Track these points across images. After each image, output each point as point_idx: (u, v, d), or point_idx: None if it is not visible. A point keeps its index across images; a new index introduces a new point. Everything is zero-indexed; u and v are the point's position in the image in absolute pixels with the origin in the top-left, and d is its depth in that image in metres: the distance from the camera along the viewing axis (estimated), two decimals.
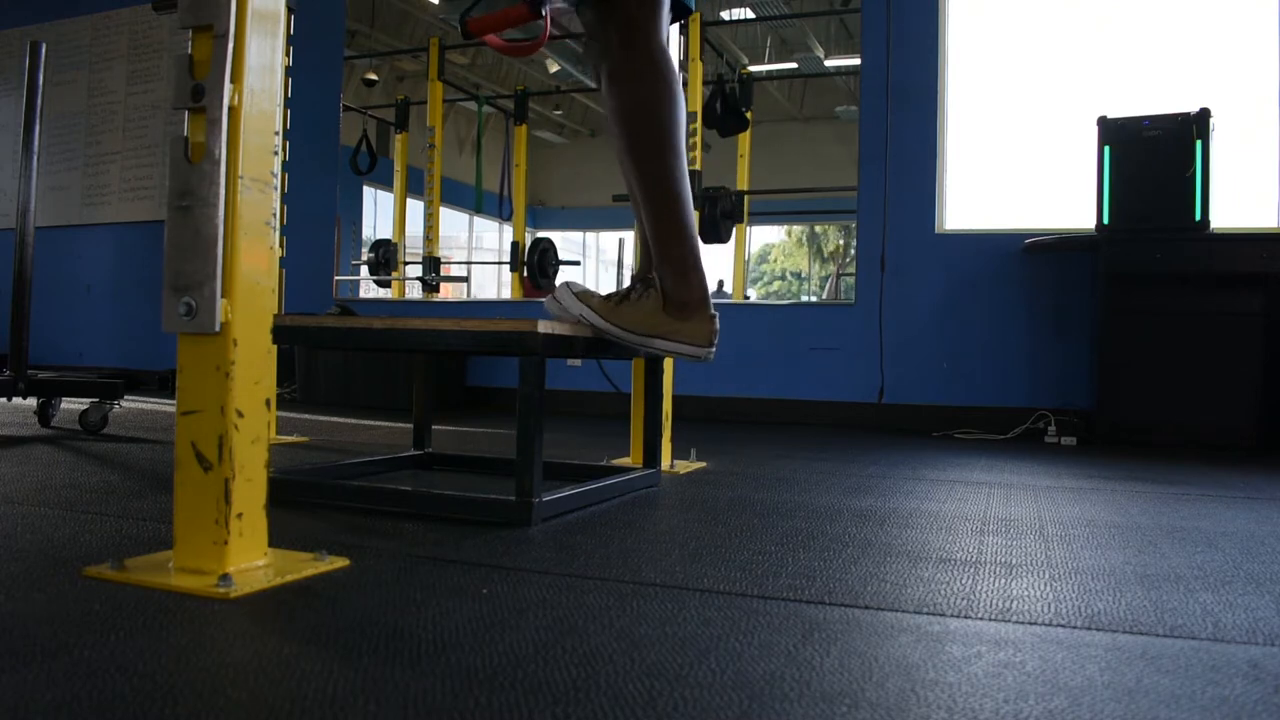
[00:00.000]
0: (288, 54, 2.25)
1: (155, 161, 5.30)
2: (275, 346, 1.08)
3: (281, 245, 2.00)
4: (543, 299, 1.79)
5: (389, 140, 5.49)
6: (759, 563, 1.22)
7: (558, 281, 1.72)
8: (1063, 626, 0.95)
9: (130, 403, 3.80)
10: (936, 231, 4.00)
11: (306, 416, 3.56)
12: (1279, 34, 3.72)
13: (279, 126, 1.07)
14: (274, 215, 1.07)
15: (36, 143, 2.48)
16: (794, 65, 6.97)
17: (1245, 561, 1.31)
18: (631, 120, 1.59)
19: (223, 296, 1.00)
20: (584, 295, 1.67)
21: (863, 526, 1.52)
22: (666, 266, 1.61)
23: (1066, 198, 3.75)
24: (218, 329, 1.00)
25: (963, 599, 1.05)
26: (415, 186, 5.20)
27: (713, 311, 1.63)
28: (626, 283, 1.80)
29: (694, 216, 1.64)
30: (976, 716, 0.69)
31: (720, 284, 6.33)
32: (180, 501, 1.02)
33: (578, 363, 4.30)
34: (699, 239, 1.65)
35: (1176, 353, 3.29)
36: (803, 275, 9.56)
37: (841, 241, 8.75)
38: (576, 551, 1.25)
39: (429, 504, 1.52)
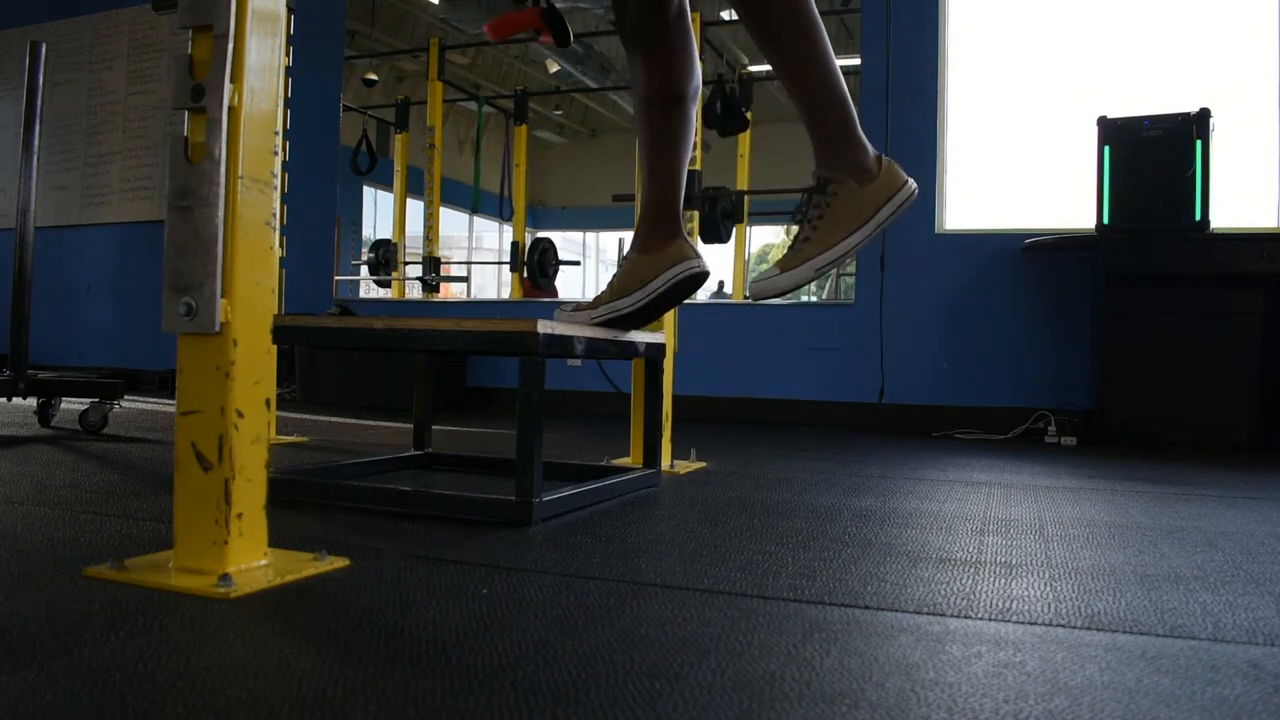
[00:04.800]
0: (288, 54, 2.25)
1: (155, 161, 5.30)
2: (275, 346, 1.08)
3: (281, 245, 2.00)
4: (542, 299, 1.77)
5: (389, 140, 5.49)
6: (759, 563, 1.22)
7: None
8: (1063, 626, 0.95)
9: (130, 403, 3.80)
10: (936, 231, 4.00)
11: (306, 416, 3.56)
12: (1279, 34, 3.72)
13: (279, 126, 1.07)
14: (274, 215, 1.07)
15: (36, 143, 2.48)
16: None
17: (1245, 561, 1.31)
18: (802, 20, 1.49)
19: (223, 296, 1.00)
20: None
21: (863, 526, 1.52)
22: (845, 148, 1.56)
23: (1066, 198, 3.75)
24: (218, 329, 1.00)
25: (963, 599, 1.05)
26: (415, 186, 5.20)
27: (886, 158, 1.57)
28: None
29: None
30: (976, 716, 0.69)
31: (721, 284, 6.33)
32: (180, 501, 1.02)
33: (578, 363, 4.30)
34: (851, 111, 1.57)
35: (1176, 353, 3.29)
36: None
37: None
38: (576, 551, 1.25)
39: (429, 504, 1.52)
